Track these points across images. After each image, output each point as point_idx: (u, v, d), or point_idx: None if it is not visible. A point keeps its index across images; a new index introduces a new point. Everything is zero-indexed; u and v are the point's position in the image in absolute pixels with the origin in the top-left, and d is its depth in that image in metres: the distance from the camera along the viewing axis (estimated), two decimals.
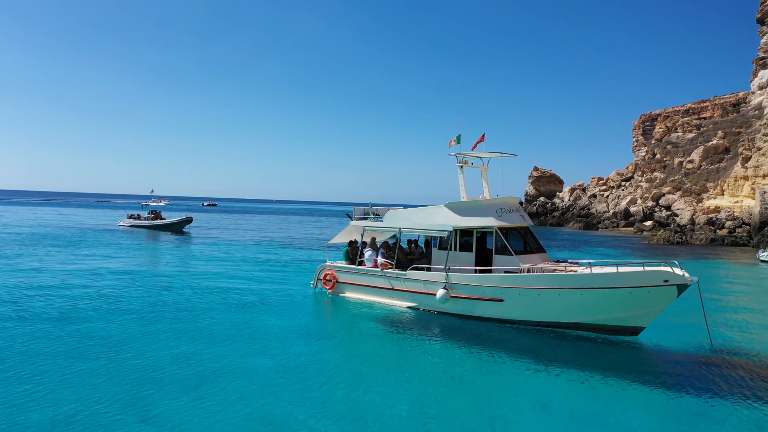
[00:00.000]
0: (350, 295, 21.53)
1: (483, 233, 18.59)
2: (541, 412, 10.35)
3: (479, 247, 18.57)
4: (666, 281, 15.02)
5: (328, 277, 22.22)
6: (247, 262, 34.41)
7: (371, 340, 15.85)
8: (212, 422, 9.61)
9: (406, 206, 23.34)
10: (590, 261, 17.54)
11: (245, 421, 9.69)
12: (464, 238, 18.77)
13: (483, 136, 20.49)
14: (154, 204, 70.33)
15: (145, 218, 62.76)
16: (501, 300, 17.10)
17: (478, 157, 20.73)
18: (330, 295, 22.04)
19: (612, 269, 16.17)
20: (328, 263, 22.70)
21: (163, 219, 61.84)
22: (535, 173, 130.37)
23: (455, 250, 18.82)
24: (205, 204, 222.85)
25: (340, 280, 21.93)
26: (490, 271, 17.68)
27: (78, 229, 58.39)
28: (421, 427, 9.56)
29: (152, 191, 68.12)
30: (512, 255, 17.61)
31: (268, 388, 11.31)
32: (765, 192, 66.80)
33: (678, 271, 15.04)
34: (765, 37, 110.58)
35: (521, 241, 18.50)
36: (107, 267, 30.00)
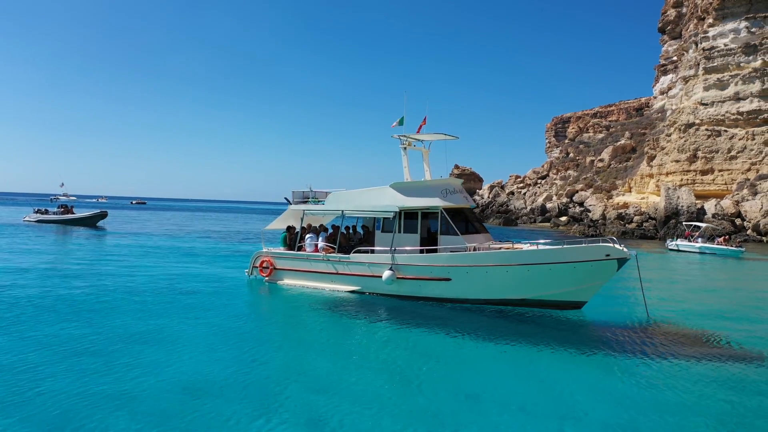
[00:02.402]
0: (289, 281, 20.84)
1: (427, 214, 18.50)
2: (489, 390, 10.05)
3: (424, 227, 18.49)
4: (607, 255, 15.54)
5: (264, 264, 21.41)
6: (172, 254, 32.58)
7: (313, 326, 14.99)
8: (135, 418, 8.42)
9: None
10: (536, 241, 17.86)
11: (172, 419, 8.48)
12: (409, 219, 18.62)
13: (425, 119, 20.47)
14: (64, 198, 65.57)
15: (54, 213, 58.57)
16: (449, 279, 17.07)
17: (419, 140, 20.66)
18: (267, 283, 21.23)
19: (557, 246, 16.56)
20: (265, 250, 21.91)
21: (74, 213, 57.95)
22: (455, 171, 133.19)
23: (400, 231, 18.62)
24: (133, 202, 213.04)
25: (277, 267, 21.19)
26: (436, 251, 17.63)
27: None
28: (366, 416, 8.77)
29: (62, 185, 63.47)
30: (458, 235, 17.63)
31: (199, 383, 9.91)
32: (669, 188, 71.43)
33: (617, 246, 15.60)
34: (666, 45, 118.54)
35: (465, 222, 18.58)
36: (5, 261, 27.55)
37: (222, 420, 8.45)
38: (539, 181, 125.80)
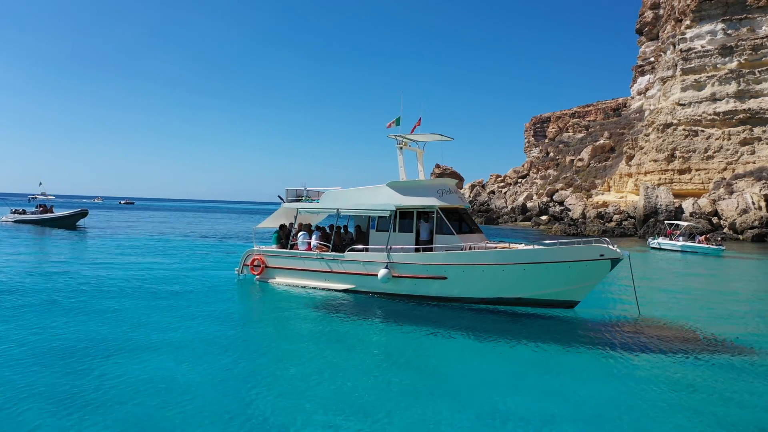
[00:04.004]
0: (281, 280, 20.72)
1: (422, 213, 18.58)
2: (486, 387, 10.12)
3: (425, 228, 18.55)
4: (602, 255, 15.75)
5: (255, 263, 21.24)
6: (156, 253, 32.10)
7: (307, 325, 14.80)
8: (120, 424, 8.12)
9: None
10: (532, 241, 18.05)
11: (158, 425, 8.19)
12: (404, 219, 18.67)
13: (420, 120, 20.52)
14: (42, 198, 64.32)
15: (33, 213, 57.47)
16: (445, 278, 17.16)
17: (414, 140, 20.72)
18: (258, 282, 21.10)
19: (553, 246, 16.75)
20: (256, 248, 21.78)
21: (53, 213, 56.94)
22: (437, 170, 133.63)
23: (396, 230, 18.67)
24: (121, 202, 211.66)
25: (269, 265, 21.05)
26: (432, 250, 17.72)
27: None
28: (366, 417, 8.63)
29: (40, 184, 62.24)
30: (453, 234, 17.74)
31: (187, 387, 9.58)
32: (648, 188, 72.63)
33: (611, 246, 15.84)
34: (643, 46, 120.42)
35: (460, 222, 18.68)
36: None
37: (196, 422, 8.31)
38: (520, 180, 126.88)
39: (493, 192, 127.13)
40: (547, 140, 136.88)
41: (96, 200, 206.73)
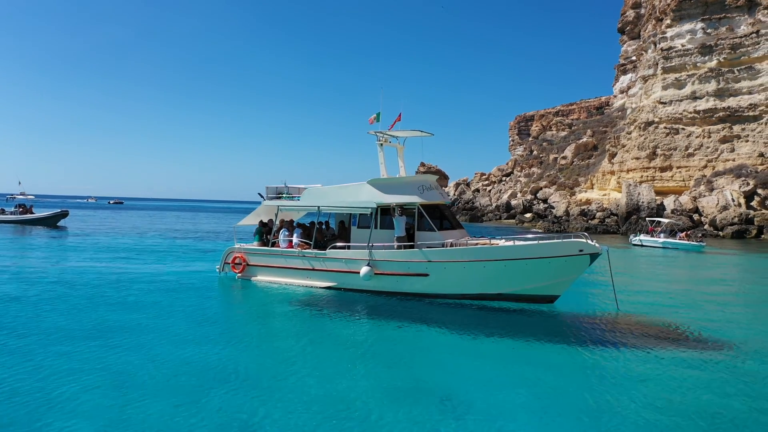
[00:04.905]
0: (262, 278, 20.62)
1: (397, 209, 18.54)
2: (466, 380, 10.18)
3: (393, 223, 18.52)
4: (581, 251, 15.86)
5: (236, 260, 21.11)
6: (134, 252, 31.72)
7: (288, 323, 14.70)
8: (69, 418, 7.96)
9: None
10: (512, 237, 18.10)
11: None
12: (386, 216, 18.64)
13: (399, 115, 20.49)
14: (21, 197, 63.44)
15: (12, 213, 56.69)
16: (426, 275, 17.16)
17: (395, 136, 20.70)
18: (239, 279, 20.97)
19: (533, 242, 16.84)
20: (237, 246, 21.64)
21: (33, 213, 56.20)
22: (421, 169, 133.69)
23: (377, 227, 18.63)
24: (110, 202, 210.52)
25: (250, 263, 20.93)
26: (413, 247, 17.71)
27: None
28: (350, 415, 8.55)
29: (20, 183, 61.48)
30: (435, 231, 17.75)
31: (164, 389, 9.30)
32: (630, 185, 73.29)
33: (590, 242, 15.94)
34: (625, 45, 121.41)
35: (441, 218, 18.69)
36: None
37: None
38: (504, 178, 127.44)
39: (477, 190, 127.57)
40: (531, 138, 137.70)
41: (89, 200, 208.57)
